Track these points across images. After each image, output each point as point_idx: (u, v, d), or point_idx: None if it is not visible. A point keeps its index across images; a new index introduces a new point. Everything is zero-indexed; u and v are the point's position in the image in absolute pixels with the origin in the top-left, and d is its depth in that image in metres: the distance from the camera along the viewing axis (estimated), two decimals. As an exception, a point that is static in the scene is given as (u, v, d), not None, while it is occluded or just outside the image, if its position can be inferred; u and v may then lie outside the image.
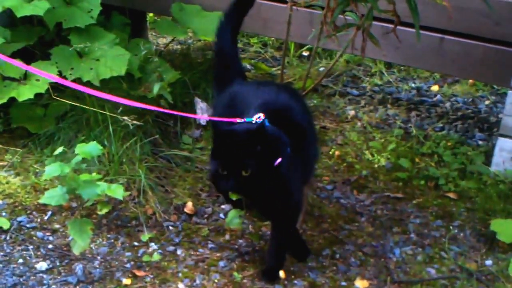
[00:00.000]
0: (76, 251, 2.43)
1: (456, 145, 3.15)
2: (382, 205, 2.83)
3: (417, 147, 3.15)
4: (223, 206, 2.80)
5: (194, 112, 3.18)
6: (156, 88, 3.00)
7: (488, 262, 2.53)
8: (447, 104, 3.58)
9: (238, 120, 2.23)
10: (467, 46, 3.03)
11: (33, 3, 3.08)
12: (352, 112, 3.45)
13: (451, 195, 2.87)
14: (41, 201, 2.59)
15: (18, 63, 2.53)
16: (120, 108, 2.83)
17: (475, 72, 3.10)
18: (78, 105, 2.90)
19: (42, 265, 2.50)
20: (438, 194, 2.89)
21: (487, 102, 3.61)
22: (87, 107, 2.85)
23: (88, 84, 2.99)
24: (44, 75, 2.79)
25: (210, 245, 2.60)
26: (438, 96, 3.66)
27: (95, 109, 2.85)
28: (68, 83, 2.55)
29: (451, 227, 2.70)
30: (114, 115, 2.85)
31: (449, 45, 3.06)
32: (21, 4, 3.06)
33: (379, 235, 2.66)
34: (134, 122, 2.76)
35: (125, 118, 2.77)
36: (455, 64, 3.09)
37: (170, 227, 2.69)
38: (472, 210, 2.79)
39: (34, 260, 2.52)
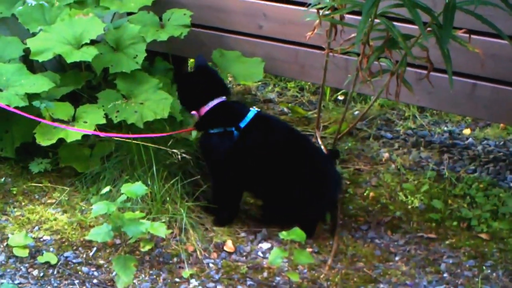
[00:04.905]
0: (120, 286, 2.52)
1: (488, 187, 3.18)
2: (415, 245, 2.88)
3: (449, 188, 3.18)
4: (261, 245, 2.88)
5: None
6: (194, 133, 3.15)
7: (521, 302, 2.56)
8: (479, 147, 3.61)
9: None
10: (499, 92, 3.05)
11: (82, 49, 3.20)
12: (386, 155, 3.51)
13: (484, 235, 2.91)
14: (87, 237, 2.69)
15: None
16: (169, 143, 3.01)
17: (507, 117, 3.14)
18: (125, 141, 3.04)
19: (88, 299, 2.59)
20: (470, 235, 2.92)
21: (518, 145, 3.65)
22: (133, 144, 2.98)
23: (133, 126, 3.12)
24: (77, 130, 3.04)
25: (248, 282, 2.67)
26: (470, 139, 3.70)
27: (140, 143, 2.97)
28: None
29: (483, 267, 2.73)
30: (160, 147, 2.98)
31: (481, 90, 3.09)
32: (71, 50, 3.18)
33: (412, 274, 2.71)
34: (183, 154, 2.87)
35: (174, 150, 2.89)
36: (487, 109, 3.12)
37: (210, 264, 2.76)
38: (504, 250, 2.82)
39: (80, 294, 2.62)
